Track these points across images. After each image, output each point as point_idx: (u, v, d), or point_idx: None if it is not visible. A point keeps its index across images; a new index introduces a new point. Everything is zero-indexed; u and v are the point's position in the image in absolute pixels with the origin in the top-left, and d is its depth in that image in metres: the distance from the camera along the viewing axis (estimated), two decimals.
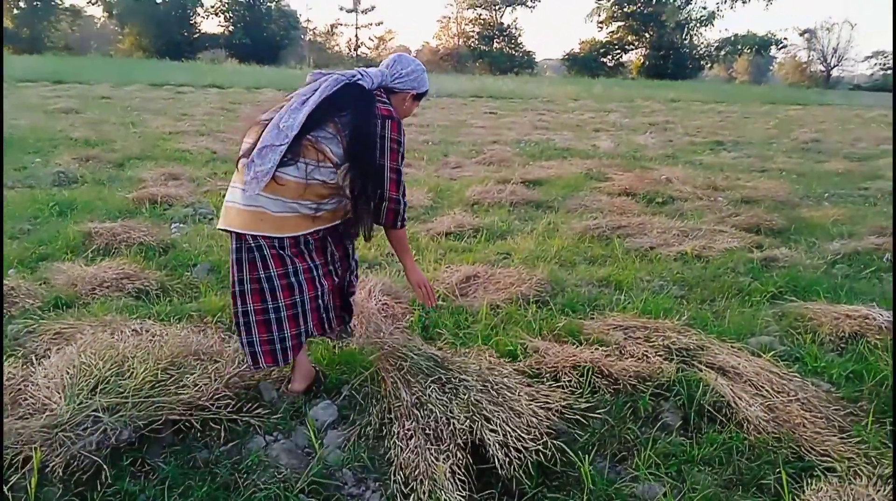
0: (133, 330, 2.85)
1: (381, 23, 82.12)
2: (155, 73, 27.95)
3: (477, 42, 62.16)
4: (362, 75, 2.52)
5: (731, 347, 3.18)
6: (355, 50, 72.41)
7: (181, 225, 5.23)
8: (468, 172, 8.62)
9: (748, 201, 7.16)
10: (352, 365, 2.86)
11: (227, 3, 57.43)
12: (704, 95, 31.00)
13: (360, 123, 2.42)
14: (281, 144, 2.32)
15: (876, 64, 62.47)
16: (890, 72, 60.08)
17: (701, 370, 2.95)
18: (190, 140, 10.60)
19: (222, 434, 2.41)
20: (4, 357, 2.78)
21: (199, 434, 2.41)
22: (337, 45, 73.27)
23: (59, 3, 55.58)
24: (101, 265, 4.01)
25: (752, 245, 5.31)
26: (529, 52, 62.92)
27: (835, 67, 62.15)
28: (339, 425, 2.55)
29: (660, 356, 3.05)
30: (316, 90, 2.40)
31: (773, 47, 60.80)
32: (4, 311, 3.40)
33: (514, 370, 2.75)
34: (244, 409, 2.51)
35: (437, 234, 5.43)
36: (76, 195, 6.25)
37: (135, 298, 3.78)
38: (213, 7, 57.80)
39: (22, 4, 52.84)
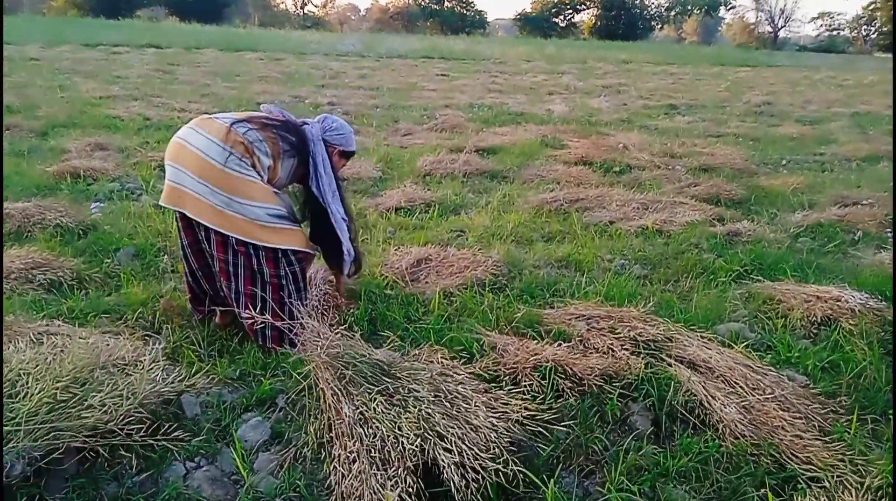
0: (34, 337, 2.48)
1: None
2: (89, 32, 26.50)
3: (427, 1, 60.88)
4: (312, 124, 2.94)
5: (701, 337, 2.96)
6: (302, 8, 70.40)
7: (101, 204, 4.77)
8: (419, 139, 8.26)
9: (706, 168, 6.99)
10: (287, 372, 2.55)
11: None
12: (655, 56, 30.89)
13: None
14: (347, 228, 2.95)
15: (822, 25, 63.39)
16: (835, 33, 61.16)
17: (670, 365, 2.72)
18: (121, 105, 9.97)
19: (135, 463, 2.09)
20: None
21: (107, 464, 2.08)
22: (283, 2, 71.13)
23: None
24: (7, 253, 3.58)
25: (714, 218, 5.13)
26: (481, 11, 62.05)
27: (782, 28, 62.78)
28: (272, 445, 2.25)
29: (626, 349, 2.81)
30: (319, 162, 2.83)
31: (722, 8, 61.17)
32: None
33: (470, 374, 2.47)
34: (161, 430, 2.19)
35: (386, 209, 5.10)
36: None
37: (46, 291, 3.38)
38: None
39: None
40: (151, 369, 2.31)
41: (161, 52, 21.92)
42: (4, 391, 2.06)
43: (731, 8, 61.23)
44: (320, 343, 2.32)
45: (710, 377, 2.67)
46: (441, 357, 2.53)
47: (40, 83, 12.27)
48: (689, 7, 59.69)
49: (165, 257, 3.91)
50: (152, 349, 2.45)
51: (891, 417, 2.49)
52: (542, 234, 4.76)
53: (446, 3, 60.55)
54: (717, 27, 74.87)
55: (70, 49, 20.49)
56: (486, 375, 2.52)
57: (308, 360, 2.38)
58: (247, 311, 2.67)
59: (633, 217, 5.04)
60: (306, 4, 70.61)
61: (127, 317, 3.08)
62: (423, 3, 60.76)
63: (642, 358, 2.76)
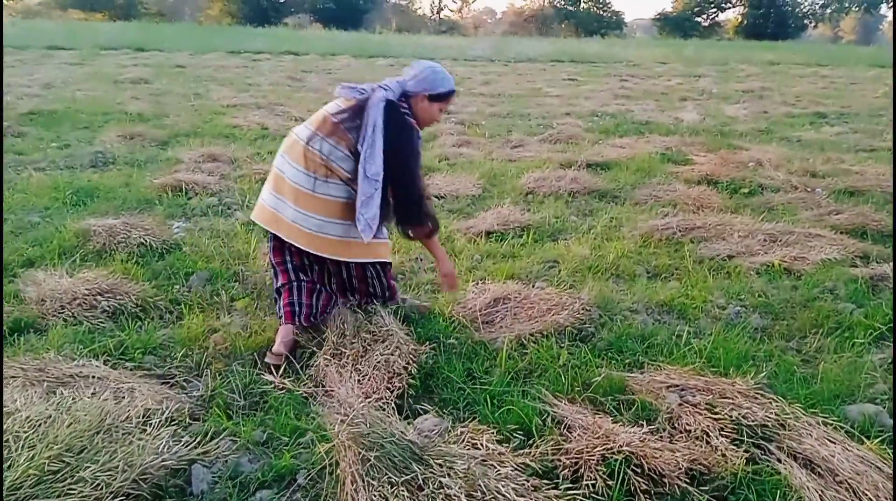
0: (54, 383, 2.32)
1: None
2: (236, 39, 27.94)
3: (563, 2, 59.84)
4: (385, 88, 2.79)
5: (824, 423, 2.39)
6: (438, 13, 71.37)
7: (184, 223, 4.71)
8: (530, 152, 7.83)
9: (852, 191, 6.11)
10: (312, 442, 2.25)
11: None
12: (807, 57, 28.56)
13: (397, 147, 2.77)
14: (377, 190, 2.72)
15: None
16: None
17: (780, 461, 2.20)
18: (245, 114, 10.19)
19: None
20: None
21: None
22: (420, 7, 72.43)
23: None
24: (79, 277, 3.53)
25: (857, 255, 4.38)
26: (618, 12, 60.20)
27: None
28: None
29: (725, 435, 2.30)
30: (369, 125, 2.69)
31: (884, 5, 55.96)
32: None
33: (521, 464, 2.07)
34: None
35: (476, 234, 4.74)
36: (102, 181, 5.87)
37: (110, 317, 3.29)
38: None
39: None
40: (160, 433, 2.08)
41: (298, 58, 22.70)
42: None
43: (893, 5, 55.64)
44: (344, 418, 2.00)
45: (831, 482, 2.12)
46: (487, 440, 2.14)
47: (179, 91, 12.90)
48: (847, 4, 55.10)
49: (237, 284, 3.75)
50: (167, 407, 2.22)
51: None
52: (646, 268, 4.23)
53: (582, 4, 59.29)
54: (878, 26, 68.77)
55: (216, 57, 21.63)
56: (540, 467, 2.10)
57: (332, 435, 2.06)
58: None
59: (757, 251, 4.39)
60: (442, 9, 71.52)
61: (175, 354, 2.90)
62: (558, 4, 59.82)
63: (744, 450, 2.24)
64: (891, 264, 4.12)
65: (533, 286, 3.73)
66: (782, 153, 7.82)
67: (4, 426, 1.97)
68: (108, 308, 3.31)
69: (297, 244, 2.87)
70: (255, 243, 4.35)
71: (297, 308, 3.05)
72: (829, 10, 56.03)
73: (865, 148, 8.71)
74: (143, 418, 2.16)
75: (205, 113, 10.32)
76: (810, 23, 57.78)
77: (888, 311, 3.43)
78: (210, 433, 2.27)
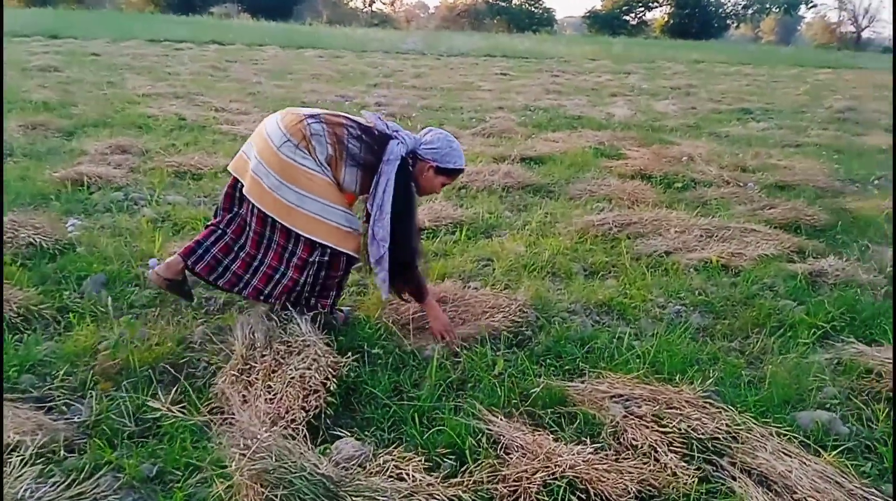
0: None
1: None
2: (158, 28, 26.74)
3: None
4: (401, 142, 2.71)
5: (777, 433, 2.23)
6: (370, 5, 70.58)
7: (79, 221, 4.24)
8: (463, 145, 7.56)
9: (783, 186, 6.13)
10: (209, 480, 1.94)
11: None
12: (730, 55, 29.35)
13: (402, 210, 2.70)
14: (386, 252, 2.67)
15: None
16: None
17: (734, 479, 2.01)
18: (161, 103, 9.62)
19: None
20: None
21: None
22: (352, 0, 71.37)
23: None
24: None
25: (793, 250, 4.32)
26: (549, 9, 60.63)
27: (866, 28, 59.46)
28: None
29: (674, 450, 2.11)
30: (382, 183, 2.64)
31: (803, 6, 58.23)
32: None
33: (453, 497, 1.82)
34: None
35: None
36: None
37: None
38: None
39: None
40: (23, 473, 1.73)
41: (222, 48, 21.85)
42: None
43: (812, 6, 58.19)
44: (245, 450, 1.71)
45: (789, 500, 1.95)
46: (414, 468, 1.88)
47: (91, 79, 12.13)
48: (768, 5, 57.02)
49: (138, 288, 3.38)
50: (39, 438, 1.88)
51: None
52: (583, 266, 4.05)
53: (514, 1, 59.58)
54: (797, 27, 71.60)
55: (134, 45, 20.57)
56: (474, 498, 1.86)
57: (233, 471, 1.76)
58: (261, 283, 2.82)
59: (694, 247, 4.28)
60: (374, 2, 70.78)
61: (56, 372, 2.53)
62: (490, 0, 59.94)
63: (695, 467, 2.06)
64: (829, 258, 4.06)
65: (466, 287, 3.49)
66: (712, 148, 7.82)
67: None
68: None
69: (250, 198, 2.69)
70: (160, 241, 3.96)
71: (199, 251, 2.85)
72: (750, 11, 57.84)
73: (791, 144, 8.83)
74: (6, 453, 1.81)
75: (117, 102, 9.67)
76: (733, 23, 59.58)
77: (830, 309, 3.34)
78: (89, 469, 1.93)
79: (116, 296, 3.28)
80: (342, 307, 3.13)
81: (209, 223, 2.95)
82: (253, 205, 2.71)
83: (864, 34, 59.08)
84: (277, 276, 2.82)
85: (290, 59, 19.15)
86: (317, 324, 2.81)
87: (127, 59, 16.41)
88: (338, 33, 32.90)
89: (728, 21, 58.52)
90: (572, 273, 3.93)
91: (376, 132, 2.73)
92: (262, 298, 2.86)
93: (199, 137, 7.50)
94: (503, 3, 59.44)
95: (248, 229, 2.81)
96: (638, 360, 2.74)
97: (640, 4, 57.98)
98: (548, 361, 2.79)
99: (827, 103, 13.83)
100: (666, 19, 57.06)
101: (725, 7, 57.63)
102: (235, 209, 2.87)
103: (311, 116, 2.68)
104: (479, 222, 4.76)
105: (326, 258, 2.76)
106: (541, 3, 60.08)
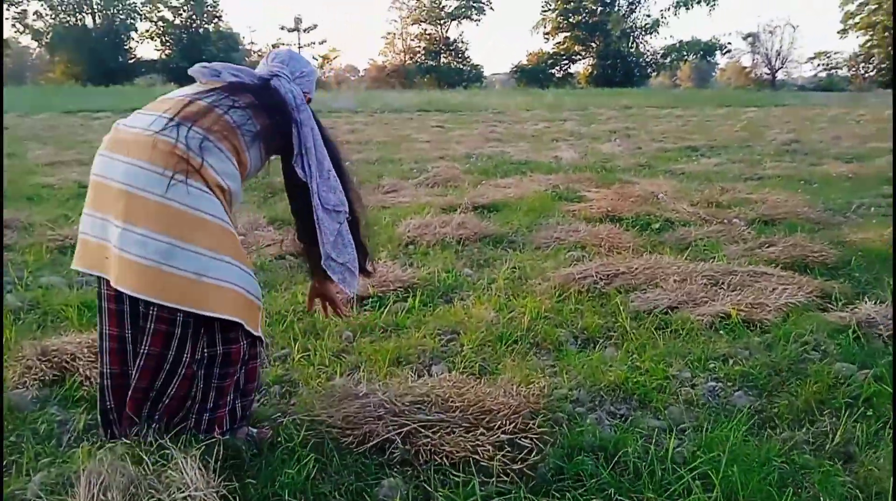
0: None
1: (325, 41, 79.29)
2: (76, 99, 25.53)
3: (424, 57, 60.56)
4: (286, 77, 2.04)
5: None
6: None
7: None
8: (405, 197, 6.76)
9: (768, 220, 5.48)
10: None
11: (163, 27, 54.90)
12: (656, 100, 29.77)
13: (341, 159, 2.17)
14: (342, 224, 2.07)
15: (819, 65, 62.57)
16: (833, 72, 60.57)
17: None
18: (63, 172, 8.54)
19: None
20: None
21: None
22: None
23: None
24: None
25: (816, 296, 3.57)
26: (477, 65, 61.54)
27: (779, 69, 62.07)
28: None
29: None
30: (307, 136, 1.96)
31: (718, 52, 60.52)
32: None
33: None
34: None
35: (345, 301, 3.56)
36: None
37: None
38: (147, 31, 55.05)
39: None
40: None
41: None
42: None
43: (726, 52, 60.09)
44: None
45: None
46: None
47: None
48: (685, 53, 59.06)
49: None
50: None
51: None
52: (572, 332, 3.20)
53: (442, 59, 60.24)
54: (712, 73, 74.42)
55: (47, 117, 19.34)
56: None
57: None
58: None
59: (702, 299, 3.48)
60: None
61: None
62: (419, 59, 60.44)
63: None
64: (866, 305, 3.31)
65: (428, 374, 2.58)
66: (674, 186, 7.20)
67: None
68: None
69: (121, 288, 1.81)
70: (14, 337, 2.95)
71: (109, 413, 2.01)
72: (668, 59, 59.80)
73: (752, 177, 8.34)
74: None
75: (15, 173, 8.55)
76: (653, 71, 61.47)
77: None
78: None
79: None
80: (252, 428, 2.18)
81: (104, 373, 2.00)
82: (144, 305, 1.85)
83: (779, 75, 61.64)
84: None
85: None
86: (214, 457, 1.86)
87: (36, 131, 15.27)
88: None
89: (648, 70, 60.33)
90: (561, 343, 3.07)
91: (247, 87, 1.99)
92: (137, 420, 1.96)
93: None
94: (432, 63, 60.09)
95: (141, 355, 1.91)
96: (698, 482, 1.87)
97: (565, 57, 59.43)
98: (565, 495, 1.88)
99: (770, 137, 13.65)
100: (590, 70, 58.52)
101: (645, 56, 59.48)
102: (105, 319, 1.95)
103: (164, 128, 1.82)
104: (434, 284, 3.89)
105: (222, 349, 1.94)
106: (468, 60, 60.98)
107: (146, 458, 1.87)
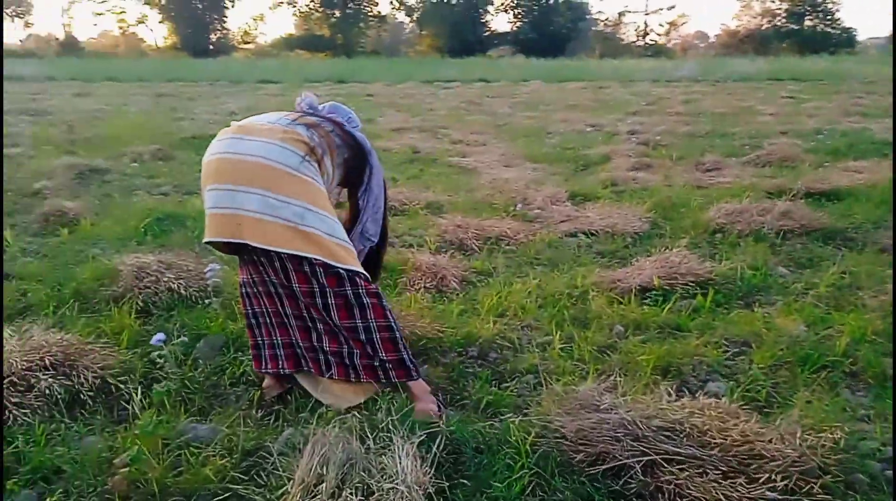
0: None
1: (673, 6, 75.91)
2: (434, 70, 28.01)
3: (784, 20, 54.57)
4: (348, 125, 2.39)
5: None
6: (643, 37, 68.44)
7: (217, 266, 3.59)
8: (726, 177, 6.07)
9: None
10: None
11: (516, 0, 57.52)
12: None
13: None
14: (364, 249, 2.43)
15: None
16: None
17: None
18: (402, 138, 9.35)
19: None
20: None
21: None
22: (625, 33, 69.80)
23: (369, 10, 59.89)
24: (45, 338, 2.56)
25: None
26: (849, 28, 53.62)
27: None
28: None
29: None
30: (375, 174, 2.40)
31: None
32: None
33: None
34: None
35: (625, 292, 3.25)
36: (188, 207, 5.08)
37: (57, 405, 2.26)
38: (502, 4, 58.16)
39: (337, 14, 57.66)
40: None
41: (487, 85, 22.03)
42: None
43: None
44: None
45: None
46: None
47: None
48: None
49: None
50: None
51: None
52: None
53: (807, 22, 53.68)
54: None
55: (408, 86, 21.51)
56: None
57: None
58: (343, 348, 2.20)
59: None
60: (648, 34, 68.53)
61: (72, 487, 1.79)
62: (777, 23, 54.67)
63: None
64: None
65: (697, 395, 2.19)
66: None
67: None
68: (53, 392, 2.29)
69: (259, 244, 2.05)
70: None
71: (258, 352, 2.37)
72: None
73: None
74: None
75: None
76: None
77: None
78: None
79: (223, 367, 2.55)
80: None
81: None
82: (282, 260, 2.11)
83: None
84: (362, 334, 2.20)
85: (551, 92, 18.52)
86: (433, 449, 1.76)
87: (395, 99, 17.01)
88: (606, 66, 31.91)
89: None
90: (886, 378, 2.42)
91: (342, 124, 2.38)
92: (381, 376, 2.21)
93: (425, 170, 6.93)
94: (794, 26, 53.86)
95: (291, 299, 2.22)
96: None
97: None
98: None
99: None
100: None
101: None
102: (247, 277, 2.31)
103: (292, 123, 2.21)
104: (734, 283, 3.36)
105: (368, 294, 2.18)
106: (839, 22, 53.41)
107: (370, 437, 1.85)
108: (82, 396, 2.32)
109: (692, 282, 3.32)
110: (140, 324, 2.90)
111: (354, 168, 2.36)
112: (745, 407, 2.10)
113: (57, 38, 62.02)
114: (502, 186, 5.73)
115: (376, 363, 2.16)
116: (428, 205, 5.16)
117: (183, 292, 3.21)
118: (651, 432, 1.81)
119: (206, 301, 3.12)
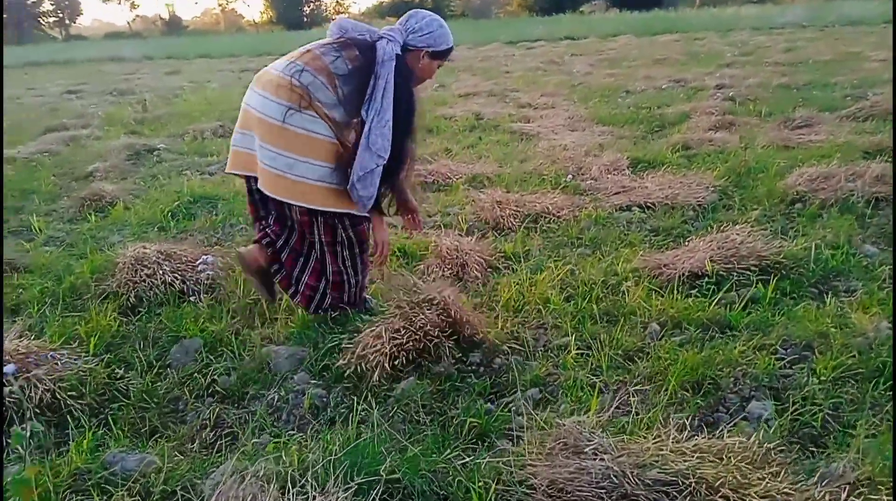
0: None
1: None
2: (520, 30, 27.15)
3: None
4: (391, 40, 2.37)
5: None
6: None
7: (210, 259, 3.31)
8: (819, 134, 5.32)
9: None
10: None
11: None
12: None
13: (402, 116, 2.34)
14: (378, 166, 2.33)
15: None
16: None
17: None
18: (468, 103, 8.91)
19: None
20: None
21: None
22: None
23: None
24: (15, 343, 2.38)
25: None
26: None
27: None
28: None
29: None
30: (380, 87, 2.28)
31: None
32: None
33: None
34: None
35: (670, 279, 2.77)
36: (220, 188, 4.89)
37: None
38: None
39: None
40: None
41: (573, 43, 21.10)
42: None
43: None
44: None
45: None
46: None
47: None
48: None
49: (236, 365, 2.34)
50: None
51: None
52: None
53: None
54: None
55: (491, 48, 20.85)
56: None
57: None
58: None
59: None
60: None
61: None
62: None
63: None
64: None
65: (721, 429, 1.74)
66: None
67: None
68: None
69: (263, 190, 2.40)
70: None
71: (258, 224, 2.67)
72: None
73: None
74: None
75: (430, 105, 9.21)
76: None
77: None
78: None
79: (192, 375, 2.30)
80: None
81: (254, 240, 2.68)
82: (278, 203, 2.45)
83: None
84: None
85: (641, 47, 17.46)
86: None
87: (473, 62, 16.45)
88: (704, 15, 29.98)
89: None
90: None
91: (356, 43, 2.38)
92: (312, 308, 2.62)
93: (483, 138, 6.50)
94: None
95: (289, 221, 2.54)
96: None
97: None
98: None
99: None
100: None
101: None
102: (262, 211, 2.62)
103: (288, 67, 2.35)
104: (807, 267, 2.82)
105: (350, 230, 2.50)
106: None
107: (299, 482, 1.53)
108: (25, 414, 2.11)
109: (754, 266, 2.80)
110: (119, 325, 2.68)
111: (363, 81, 2.33)
112: (791, 440, 1.64)
113: (162, 19, 64.62)
114: (558, 155, 5.24)
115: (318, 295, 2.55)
116: (473, 178, 4.76)
117: (177, 286, 2.98)
118: (643, 488, 1.40)
119: (192, 298, 2.87)
